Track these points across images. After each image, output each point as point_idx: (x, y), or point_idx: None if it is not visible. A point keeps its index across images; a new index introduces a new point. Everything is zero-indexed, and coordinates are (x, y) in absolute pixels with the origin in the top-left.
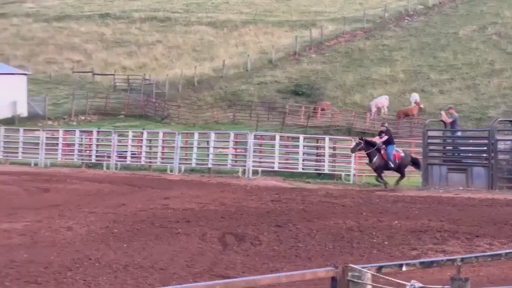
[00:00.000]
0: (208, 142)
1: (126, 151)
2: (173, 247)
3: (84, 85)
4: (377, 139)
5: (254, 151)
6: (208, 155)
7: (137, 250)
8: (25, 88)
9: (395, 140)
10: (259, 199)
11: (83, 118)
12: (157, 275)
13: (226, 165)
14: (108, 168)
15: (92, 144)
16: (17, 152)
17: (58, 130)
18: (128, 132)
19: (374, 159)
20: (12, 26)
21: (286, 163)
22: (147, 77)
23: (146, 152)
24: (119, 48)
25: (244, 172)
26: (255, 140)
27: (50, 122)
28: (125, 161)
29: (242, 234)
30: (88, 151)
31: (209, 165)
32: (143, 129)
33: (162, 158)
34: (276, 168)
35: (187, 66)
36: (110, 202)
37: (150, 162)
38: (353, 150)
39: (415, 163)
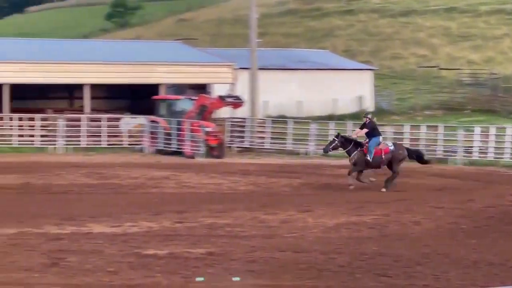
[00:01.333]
0: None
1: (473, 146)
2: None
3: (429, 79)
4: (355, 133)
5: None
6: None
7: (487, 246)
8: (372, 83)
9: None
10: None
11: (428, 113)
12: (508, 272)
13: None
14: (455, 163)
15: (438, 139)
16: None
17: (403, 125)
18: (474, 127)
19: (352, 154)
20: (359, 22)
21: None
22: (494, 71)
23: (493, 147)
24: (465, 42)
25: None
26: None
27: (395, 117)
28: (472, 157)
29: None
30: (434, 146)
31: None
32: (490, 124)
33: (511, 154)
34: None
35: None
36: (457, 198)
37: (498, 157)
38: (325, 150)
39: (417, 156)
